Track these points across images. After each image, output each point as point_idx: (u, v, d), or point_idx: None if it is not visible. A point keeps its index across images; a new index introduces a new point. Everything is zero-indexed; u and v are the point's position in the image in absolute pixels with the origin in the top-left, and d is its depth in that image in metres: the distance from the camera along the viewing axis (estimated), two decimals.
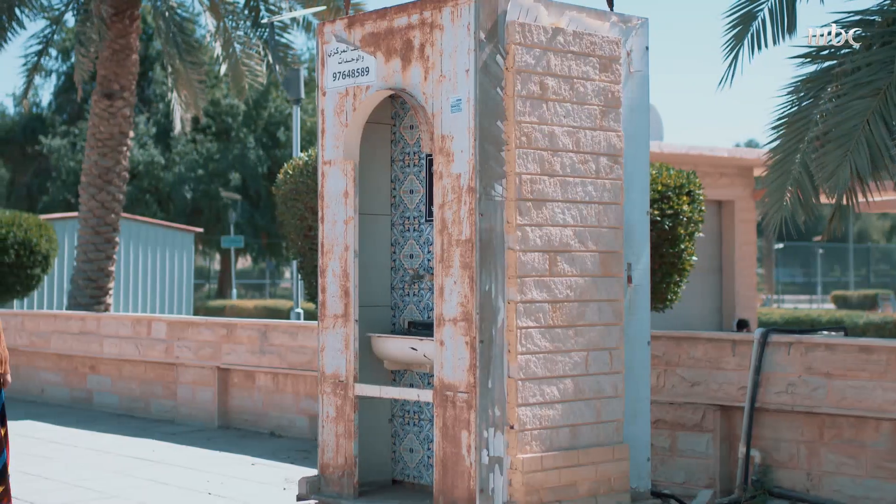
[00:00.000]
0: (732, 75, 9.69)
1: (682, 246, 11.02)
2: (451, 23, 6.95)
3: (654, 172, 10.84)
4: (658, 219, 10.72)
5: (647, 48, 7.72)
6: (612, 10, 7.70)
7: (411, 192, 7.88)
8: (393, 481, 7.99)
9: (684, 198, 10.91)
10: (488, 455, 6.83)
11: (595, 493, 7.21)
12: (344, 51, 7.63)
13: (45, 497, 9.05)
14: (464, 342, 6.85)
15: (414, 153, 7.88)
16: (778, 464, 8.40)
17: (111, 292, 18.54)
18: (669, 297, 11.53)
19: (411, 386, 7.81)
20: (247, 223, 44.09)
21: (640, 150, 7.71)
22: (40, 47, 20.15)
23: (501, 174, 6.92)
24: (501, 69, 6.93)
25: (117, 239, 18.72)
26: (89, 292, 18.10)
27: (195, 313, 34.40)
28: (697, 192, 11.10)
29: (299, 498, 7.72)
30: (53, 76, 44.29)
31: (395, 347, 7.54)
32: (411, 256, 7.87)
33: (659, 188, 10.79)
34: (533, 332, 6.96)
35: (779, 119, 9.66)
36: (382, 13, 7.40)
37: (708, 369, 8.67)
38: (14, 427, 12.88)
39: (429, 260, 7.72)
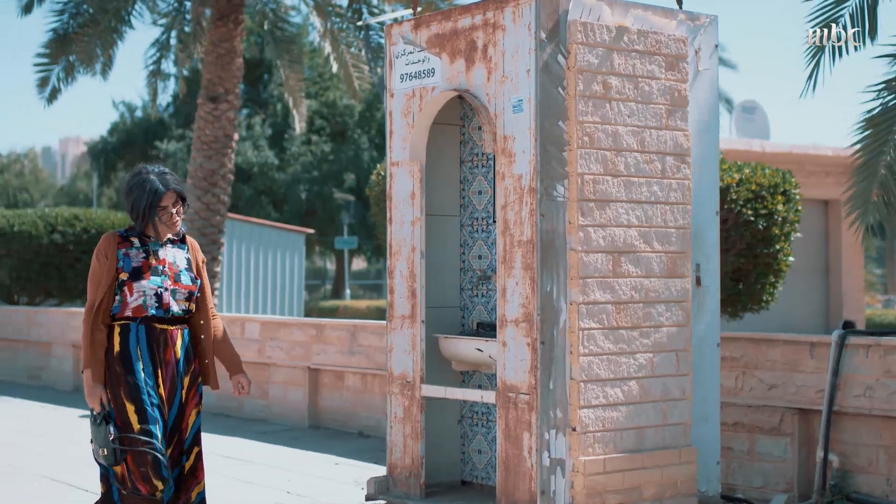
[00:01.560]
0: (815, 84, 9.53)
1: (778, 246, 10.83)
2: (513, 23, 6.92)
3: (748, 171, 10.68)
4: (752, 219, 10.56)
5: (716, 46, 7.61)
6: (681, 7, 7.60)
7: (479, 192, 7.87)
8: (462, 482, 7.99)
9: (779, 197, 10.72)
10: (549, 457, 6.79)
11: (661, 497, 7.12)
12: (411, 52, 7.65)
13: None
14: (525, 343, 6.82)
15: (482, 154, 7.87)
16: (857, 468, 8.23)
17: (217, 293, 18.81)
18: (765, 298, 11.35)
19: (480, 387, 7.80)
20: (359, 224, 44.37)
21: (710, 149, 7.60)
22: (158, 55, 20.49)
23: (563, 175, 6.88)
24: (563, 69, 6.89)
25: (223, 240, 19.00)
26: None
27: (307, 314, 34.73)
28: (793, 191, 10.88)
29: (368, 498, 7.75)
30: (172, 80, 45.01)
31: (462, 348, 7.54)
32: (480, 257, 7.86)
33: (753, 188, 10.62)
34: (596, 333, 6.91)
35: (864, 120, 9.47)
36: (447, 14, 7.40)
37: (786, 372, 8.53)
38: None
39: (496, 261, 7.70)
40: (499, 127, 7.01)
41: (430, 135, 7.76)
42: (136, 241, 6.19)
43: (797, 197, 11.02)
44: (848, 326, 19.38)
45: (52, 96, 19.94)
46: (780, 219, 10.82)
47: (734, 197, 10.52)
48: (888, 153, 9.33)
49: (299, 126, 20.63)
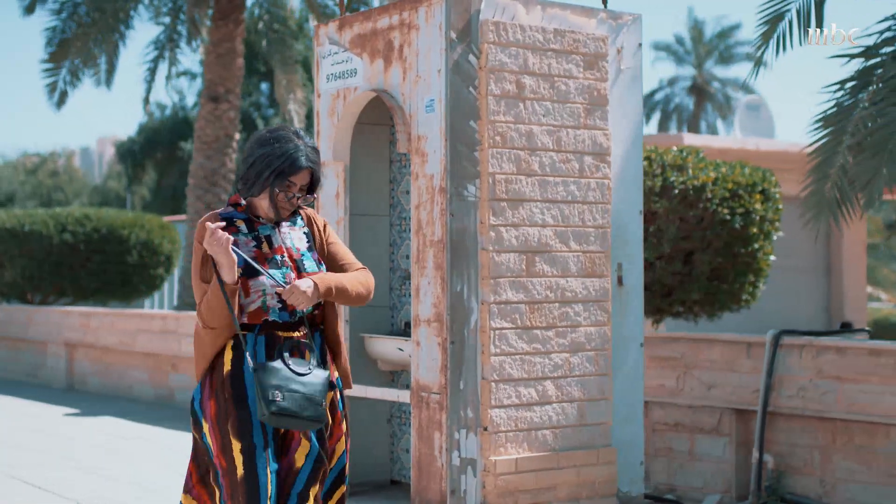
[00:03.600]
0: (756, 75, 9.52)
1: (757, 245, 10.74)
2: (426, 23, 6.93)
3: (724, 170, 10.59)
4: (728, 217, 10.48)
5: (640, 45, 7.58)
6: (605, 6, 7.58)
7: (407, 192, 7.88)
8: (392, 481, 8.00)
9: (757, 196, 10.62)
10: (459, 456, 6.79)
11: (577, 497, 7.11)
12: (336, 52, 7.67)
13: (113, 494, 9.27)
14: (436, 343, 6.82)
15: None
16: (792, 469, 8.17)
17: None
18: (745, 297, 11.25)
19: (407, 387, 7.80)
20: None
21: (632, 148, 7.57)
22: (156, 53, 20.59)
23: (475, 174, 6.87)
24: (475, 68, 6.88)
25: None
26: None
27: None
28: (772, 189, 10.79)
29: None
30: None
31: (385, 348, 7.55)
32: (407, 257, 7.87)
33: (730, 186, 10.53)
34: (508, 333, 6.90)
35: (820, 120, 9.39)
36: (368, 14, 7.41)
37: (724, 372, 8.48)
38: (94, 423, 13.25)
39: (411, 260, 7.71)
40: (413, 127, 7.02)
41: (360, 135, 7.78)
42: (242, 224, 4.83)
43: (776, 195, 10.92)
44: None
45: (61, 100, 20.10)
46: (757, 217, 10.73)
47: (710, 196, 10.44)
48: (842, 154, 9.25)
49: (297, 126, 20.67)
